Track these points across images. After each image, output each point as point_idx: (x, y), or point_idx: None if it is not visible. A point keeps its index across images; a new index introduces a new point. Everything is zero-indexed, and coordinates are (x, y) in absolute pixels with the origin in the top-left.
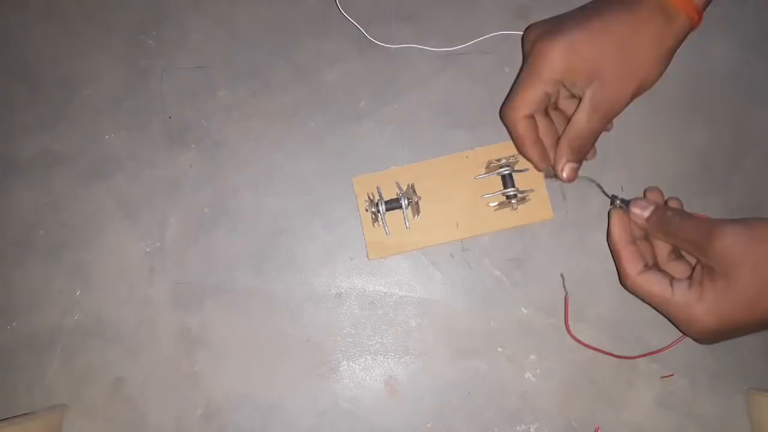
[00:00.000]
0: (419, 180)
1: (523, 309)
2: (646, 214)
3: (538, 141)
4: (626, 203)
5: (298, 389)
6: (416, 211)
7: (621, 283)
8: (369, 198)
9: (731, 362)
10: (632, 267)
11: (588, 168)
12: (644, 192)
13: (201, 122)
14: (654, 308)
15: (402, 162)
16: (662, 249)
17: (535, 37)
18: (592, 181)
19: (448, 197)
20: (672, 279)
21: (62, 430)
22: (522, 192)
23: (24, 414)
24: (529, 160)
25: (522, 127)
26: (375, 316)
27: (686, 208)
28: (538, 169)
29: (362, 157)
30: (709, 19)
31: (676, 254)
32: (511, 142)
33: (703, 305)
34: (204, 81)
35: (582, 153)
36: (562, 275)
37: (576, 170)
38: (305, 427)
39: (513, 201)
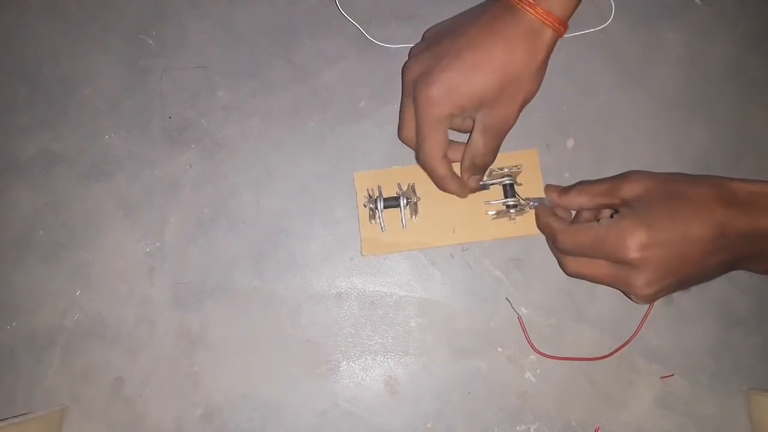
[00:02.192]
0: (421, 181)
1: (523, 309)
2: (559, 188)
3: (455, 176)
4: (537, 200)
5: (298, 389)
6: (414, 211)
7: (558, 254)
8: (368, 194)
9: (731, 362)
10: (560, 224)
11: (589, 168)
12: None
13: (201, 122)
14: (589, 255)
15: (401, 162)
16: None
17: (414, 80)
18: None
19: (448, 201)
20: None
21: (62, 430)
22: (525, 200)
23: (24, 414)
24: (451, 193)
25: (442, 169)
26: (375, 316)
27: None
28: (462, 196)
29: (362, 157)
30: (709, 19)
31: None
32: (514, 152)
33: (628, 219)
34: (204, 81)
35: (484, 166)
36: (507, 299)
37: (479, 180)
38: (305, 428)
39: (512, 211)
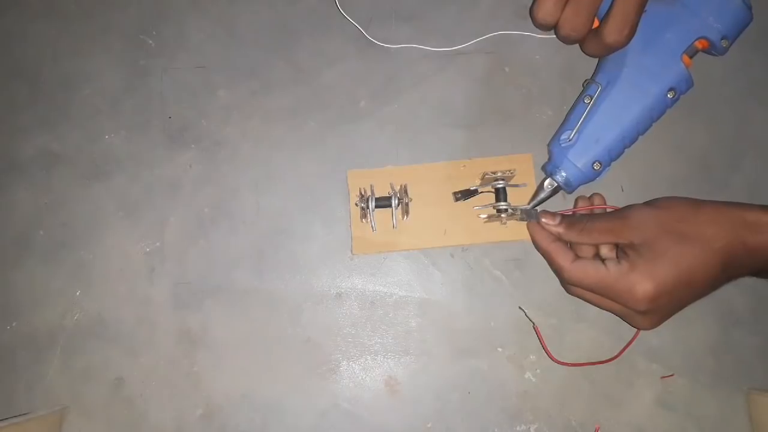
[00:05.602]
0: (414, 182)
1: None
2: (557, 220)
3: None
4: (532, 215)
5: (298, 389)
6: (405, 212)
7: (561, 279)
8: (361, 193)
9: (731, 362)
10: (564, 258)
11: None
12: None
13: (201, 122)
14: (594, 292)
15: (401, 162)
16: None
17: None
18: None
19: (440, 203)
20: (602, 260)
21: (62, 430)
22: (513, 208)
23: (24, 414)
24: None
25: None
26: (375, 316)
27: None
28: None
29: (362, 157)
30: None
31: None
32: (508, 157)
33: (636, 271)
34: (204, 81)
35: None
36: (521, 308)
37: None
38: (305, 427)
39: (503, 215)
